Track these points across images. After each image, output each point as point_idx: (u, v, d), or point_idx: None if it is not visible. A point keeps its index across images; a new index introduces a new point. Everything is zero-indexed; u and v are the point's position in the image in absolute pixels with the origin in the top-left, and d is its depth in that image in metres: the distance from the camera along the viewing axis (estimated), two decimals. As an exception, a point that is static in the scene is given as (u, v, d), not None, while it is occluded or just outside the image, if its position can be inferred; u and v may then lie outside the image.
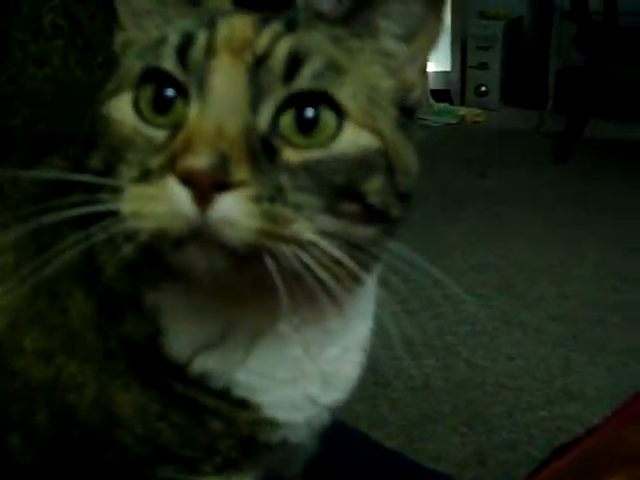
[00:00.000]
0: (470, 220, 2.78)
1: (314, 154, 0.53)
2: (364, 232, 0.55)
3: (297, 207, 0.51)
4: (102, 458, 0.64)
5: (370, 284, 0.65)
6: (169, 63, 0.54)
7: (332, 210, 0.53)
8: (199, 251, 0.50)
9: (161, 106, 0.54)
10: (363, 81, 0.57)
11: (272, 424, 0.64)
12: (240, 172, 0.49)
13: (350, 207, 0.54)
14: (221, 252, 0.50)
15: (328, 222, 0.52)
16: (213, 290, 0.55)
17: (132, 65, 0.57)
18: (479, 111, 4.18)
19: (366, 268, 0.58)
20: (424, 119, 3.89)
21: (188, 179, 0.48)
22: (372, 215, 0.55)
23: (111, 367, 0.63)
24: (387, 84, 0.59)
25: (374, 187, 0.55)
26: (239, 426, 0.63)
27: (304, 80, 0.54)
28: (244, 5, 0.67)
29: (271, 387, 0.63)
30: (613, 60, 3.47)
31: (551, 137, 3.65)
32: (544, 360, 1.92)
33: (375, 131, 0.55)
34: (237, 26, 0.56)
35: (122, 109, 0.56)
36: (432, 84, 4.27)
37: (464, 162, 3.45)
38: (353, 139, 0.54)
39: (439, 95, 4.29)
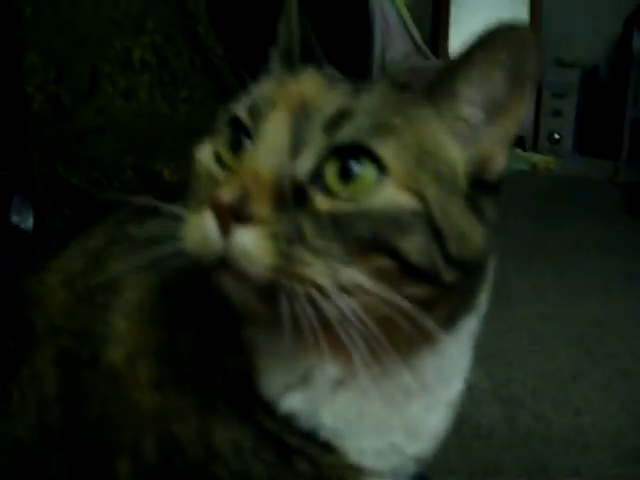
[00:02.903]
0: (541, 270, 2.75)
1: (345, 205, 0.55)
2: (413, 291, 0.56)
3: (316, 252, 0.53)
4: None
5: (460, 348, 0.66)
6: (242, 112, 0.61)
7: (359, 262, 0.54)
8: (229, 280, 0.54)
9: (236, 150, 0.60)
10: (417, 146, 0.58)
11: (358, 470, 0.66)
12: (259, 209, 0.53)
13: (383, 262, 0.55)
14: (247, 283, 0.53)
15: (354, 274, 0.54)
16: (293, 334, 0.57)
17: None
18: (552, 159, 4.15)
19: (426, 331, 0.58)
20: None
21: (214, 207, 0.53)
22: (417, 275, 0.56)
23: (213, 402, 0.66)
24: (457, 155, 0.60)
25: (411, 246, 0.55)
26: (325, 469, 0.65)
27: (345, 134, 0.56)
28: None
29: (356, 434, 0.65)
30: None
31: (625, 188, 3.61)
32: (613, 417, 1.88)
33: (417, 193, 0.56)
34: (304, 84, 0.60)
35: (205, 151, 0.62)
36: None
37: (535, 210, 3.43)
38: (388, 196, 0.55)
39: (512, 141, 4.27)
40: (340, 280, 0.54)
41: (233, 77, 1.33)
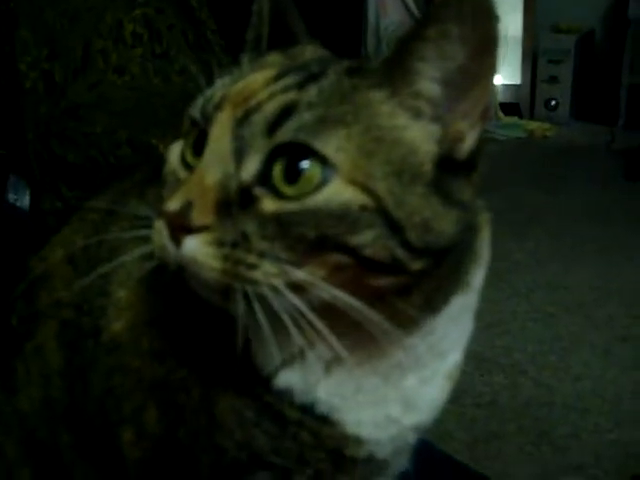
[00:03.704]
0: (539, 237, 2.76)
1: (291, 205, 0.54)
2: (378, 282, 0.56)
3: (261, 253, 0.54)
4: (202, 460, 0.67)
5: (453, 324, 0.65)
6: (197, 114, 0.60)
7: (314, 260, 0.54)
8: (190, 282, 0.56)
9: (200, 152, 0.59)
10: (366, 134, 0.56)
11: (356, 440, 0.66)
12: (202, 218, 0.54)
13: (338, 258, 0.54)
14: (205, 285, 0.55)
15: (302, 273, 0.54)
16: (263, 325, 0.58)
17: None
18: (548, 125, 4.14)
19: (403, 314, 0.58)
20: (492, 132, 3.88)
21: (164, 218, 0.55)
22: (377, 267, 0.55)
23: (215, 373, 0.66)
24: (419, 136, 0.57)
25: (364, 241, 0.54)
26: (324, 440, 0.66)
27: (285, 133, 0.55)
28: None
29: (352, 407, 0.65)
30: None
31: (622, 154, 3.60)
32: (612, 382, 1.90)
33: (365, 187, 0.54)
34: (254, 80, 0.59)
35: (174, 152, 0.62)
36: (501, 97, 4.25)
37: (532, 177, 3.43)
38: (332, 193, 0.54)
39: (508, 108, 4.26)
40: (290, 279, 0.54)
41: (227, 52, 1.31)
